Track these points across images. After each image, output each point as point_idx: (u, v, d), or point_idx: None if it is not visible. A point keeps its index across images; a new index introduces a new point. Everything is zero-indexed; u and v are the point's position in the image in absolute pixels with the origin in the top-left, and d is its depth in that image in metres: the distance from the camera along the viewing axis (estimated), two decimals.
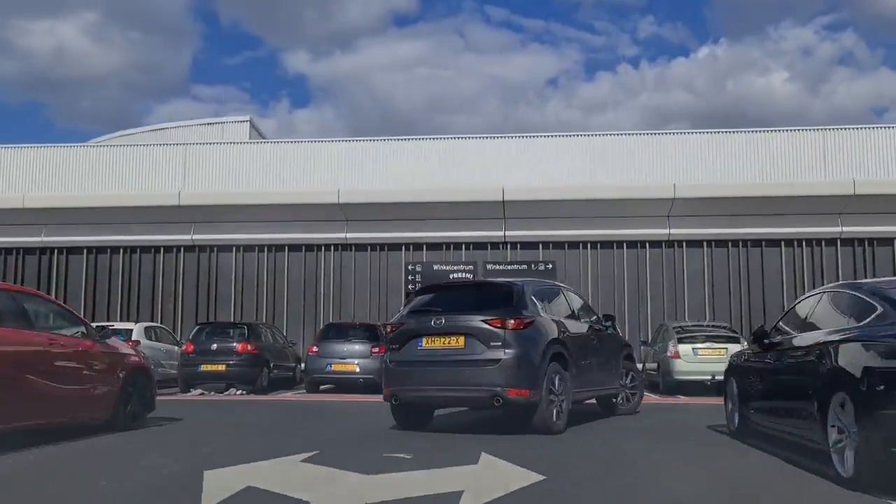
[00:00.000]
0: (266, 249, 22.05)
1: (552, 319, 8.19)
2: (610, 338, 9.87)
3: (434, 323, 7.77)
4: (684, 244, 21.13)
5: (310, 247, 21.96)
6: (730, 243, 21.04)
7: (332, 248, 21.91)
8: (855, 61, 75.62)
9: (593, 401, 9.79)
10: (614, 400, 9.91)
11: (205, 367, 15.82)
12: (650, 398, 13.38)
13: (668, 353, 15.10)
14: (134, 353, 8.84)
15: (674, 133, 22.45)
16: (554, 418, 7.65)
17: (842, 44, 75.09)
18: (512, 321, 7.56)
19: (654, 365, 16.29)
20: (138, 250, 22.30)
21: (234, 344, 16.18)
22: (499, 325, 7.54)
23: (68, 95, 79.49)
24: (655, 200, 20.33)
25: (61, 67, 72.63)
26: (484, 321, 7.58)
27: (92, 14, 71.92)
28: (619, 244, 21.24)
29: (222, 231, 21.76)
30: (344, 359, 15.64)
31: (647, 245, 21.20)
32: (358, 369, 15.43)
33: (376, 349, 15.43)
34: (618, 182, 20.86)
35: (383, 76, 75.06)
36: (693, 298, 20.87)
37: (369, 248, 21.79)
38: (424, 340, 7.81)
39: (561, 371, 7.88)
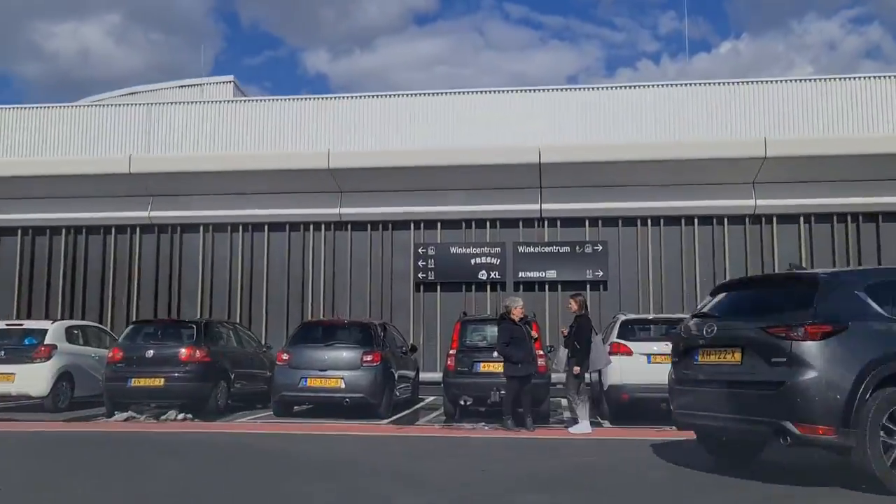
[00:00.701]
0: (241, 229, 18.16)
1: None
2: None
3: (705, 332, 6.54)
4: (774, 219, 16.84)
5: (295, 225, 17.97)
6: (835, 217, 16.70)
7: (323, 226, 17.96)
8: (882, 55, 73.60)
9: None
10: None
11: (137, 382, 12.13)
12: None
13: None
14: None
15: (763, 81, 17.66)
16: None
17: (868, 37, 73.25)
18: (803, 328, 5.76)
19: None
20: (84, 231, 18.59)
21: (179, 349, 12.25)
22: (783, 335, 5.85)
23: (91, 96, 78.55)
24: (738, 161, 16.09)
25: (84, 69, 73.00)
26: (764, 329, 5.98)
27: (114, 16, 72.42)
28: (689, 220, 17.03)
29: (187, 207, 17.95)
30: (324, 370, 11.68)
31: (726, 220, 16.93)
32: (343, 385, 11.73)
33: (369, 357, 11.50)
34: (687, 139, 16.59)
35: (403, 74, 74.86)
36: None
37: (369, 226, 17.77)
38: (700, 354, 6.60)
39: None
